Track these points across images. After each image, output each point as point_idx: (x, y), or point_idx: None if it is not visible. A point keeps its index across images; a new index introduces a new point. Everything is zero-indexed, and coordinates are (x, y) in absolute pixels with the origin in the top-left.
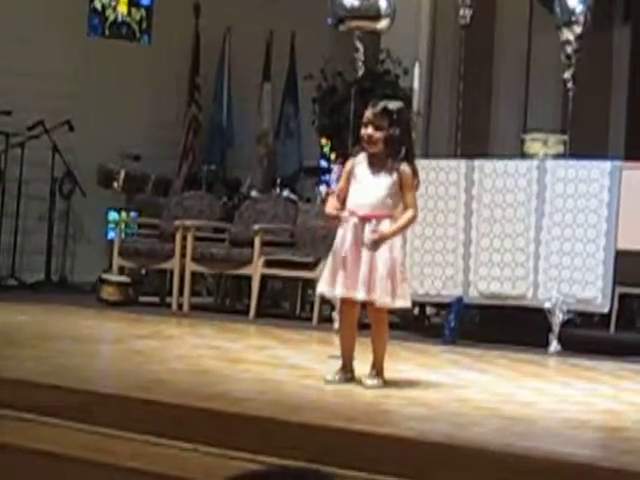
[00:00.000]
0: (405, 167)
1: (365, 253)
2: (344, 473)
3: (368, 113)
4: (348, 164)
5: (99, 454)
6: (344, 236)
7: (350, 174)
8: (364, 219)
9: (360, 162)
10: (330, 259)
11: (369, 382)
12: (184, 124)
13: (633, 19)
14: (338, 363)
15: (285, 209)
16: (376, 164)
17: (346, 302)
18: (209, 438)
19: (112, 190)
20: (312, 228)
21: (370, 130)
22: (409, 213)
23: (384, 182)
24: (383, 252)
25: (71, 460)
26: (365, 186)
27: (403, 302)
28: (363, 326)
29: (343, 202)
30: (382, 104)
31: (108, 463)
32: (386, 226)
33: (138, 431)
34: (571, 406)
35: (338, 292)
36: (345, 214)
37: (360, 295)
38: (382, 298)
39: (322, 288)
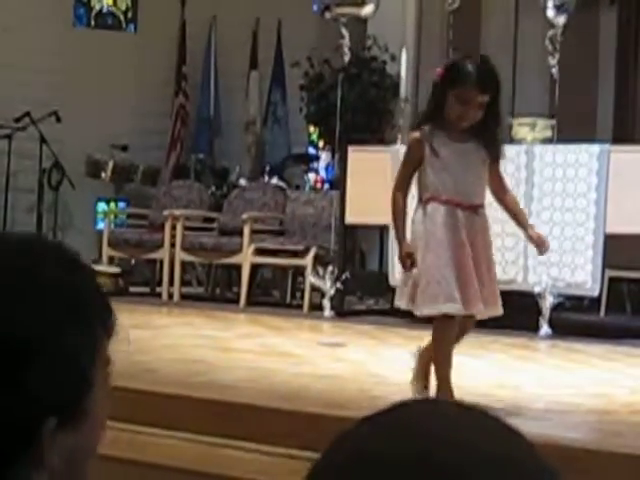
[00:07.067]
0: None
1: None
2: None
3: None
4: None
5: None
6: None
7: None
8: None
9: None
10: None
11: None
12: (172, 113)
13: (619, 1)
14: (332, 351)
15: (274, 197)
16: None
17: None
18: (200, 427)
19: (101, 180)
20: (301, 216)
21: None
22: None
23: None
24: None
25: None
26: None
27: (427, 310)
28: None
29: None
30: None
31: (99, 454)
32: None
33: (129, 421)
34: (562, 389)
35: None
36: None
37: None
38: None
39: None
